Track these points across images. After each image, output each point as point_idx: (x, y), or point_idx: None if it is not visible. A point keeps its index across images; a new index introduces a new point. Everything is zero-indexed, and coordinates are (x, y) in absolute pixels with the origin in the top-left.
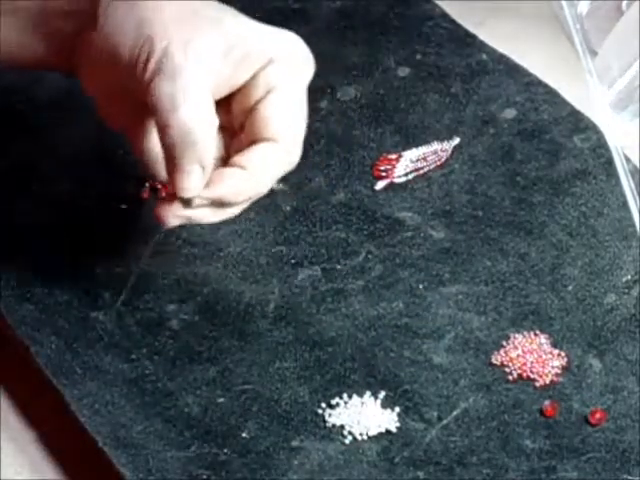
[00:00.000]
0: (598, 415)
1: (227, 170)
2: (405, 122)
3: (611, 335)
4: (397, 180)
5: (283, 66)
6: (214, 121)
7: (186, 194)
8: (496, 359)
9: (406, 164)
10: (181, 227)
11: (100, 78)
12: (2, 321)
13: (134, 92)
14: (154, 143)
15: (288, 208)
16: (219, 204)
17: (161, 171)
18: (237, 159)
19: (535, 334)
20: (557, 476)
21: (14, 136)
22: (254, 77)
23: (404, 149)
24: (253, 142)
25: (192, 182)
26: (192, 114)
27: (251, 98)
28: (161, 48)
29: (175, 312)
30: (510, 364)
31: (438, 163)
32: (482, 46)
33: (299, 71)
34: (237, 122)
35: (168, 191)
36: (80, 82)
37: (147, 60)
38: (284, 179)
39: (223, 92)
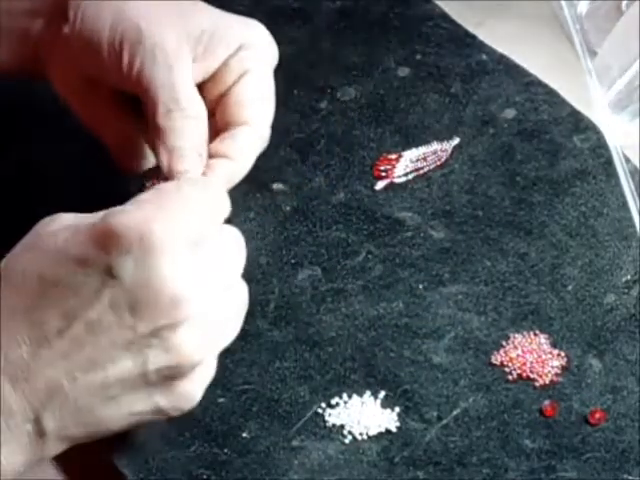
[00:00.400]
0: (598, 415)
1: (215, 162)
2: (405, 122)
3: (611, 335)
4: (397, 180)
5: (253, 51)
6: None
7: (186, 177)
8: (496, 359)
9: (406, 164)
10: None
11: (72, 74)
12: None
13: (113, 83)
14: (128, 133)
15: (288, 208)
16: None
17: (132, 160)
18: (220, 148)
19: (535, 334)
20: (557, 476)
21: (14, 136)
22: (225, 63)
23: (404, 149)
24: (227, 126)
25: (189, 164)
26: (191, 97)
27: (224, 84)
28: (143, 38)
29: None
30: (510, 364)
31: (438, 163)
32: (482, 46)
33: (267, 56)
34: (209, 108)
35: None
36: (50, 82)
37: (131, 51)
38: (284, 179)
39: (196, 80)
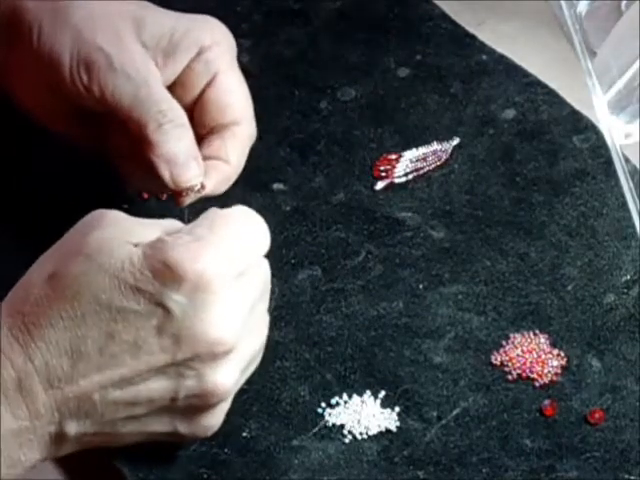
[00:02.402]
0: (597, 414)
1: (209, 165)
2: (405, 122)
3: (610, 335)
4: (397, 180)
5: (216, 50)
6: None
7: (190, 183)
8: (496, 359)
9: (406, 164)
10: None
11: (36, 89)
12: None
13: (76, 95)
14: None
15: (288, 208)
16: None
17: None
18: (211, 151)
19: (535, 334)
20: (556, 475)
21: (14, 135)
22: (191, 68)
23: (404, 149)
24: (211, 130)
25: (192, 172)
26: (175, 107)
27: (195, 88)
28: (111, 60)
29: None
30: (510, 364)
31: (438, 163)
32: (482, 46)
33: (230, 50)
34: None
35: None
36: (14, 99)
37: (101, 75)
38: (284, 179)
39: None
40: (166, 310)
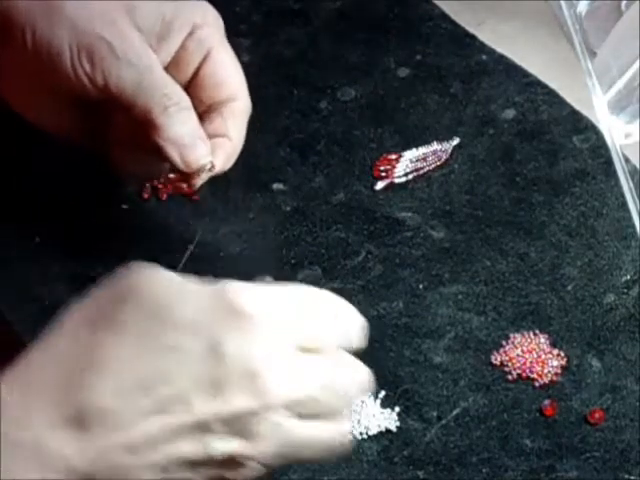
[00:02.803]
0: (597, 415)
1: (214, 143)
2: (405, 122)
3: (610, 335)
4: (397, 180)
5: (207, 30)
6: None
7: (201, 162)
8: (496, 359)
9: (406, 164)
10: (181, 227)
11: (29, 91)
12: (2, 321)
13: (78, 88)
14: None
15: (288, 208)
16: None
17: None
18: (213, 129)
19: (534, 334)
20: (556, 475)
21: (14, 135)
22: (184, 47)
23: (404, 149)
24: (207, 108)
25: (200, 151)
26: (177, 90)
27: (190, 67)
28: (112, 48)
29: None
30: (510, 364)
31: (438, 163)
32: (482, 46)
33: (219, 29)
34: None
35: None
36: (7, 99)
37: (103, 65)
38: (284, 179)
39: None
40: (220, 354)
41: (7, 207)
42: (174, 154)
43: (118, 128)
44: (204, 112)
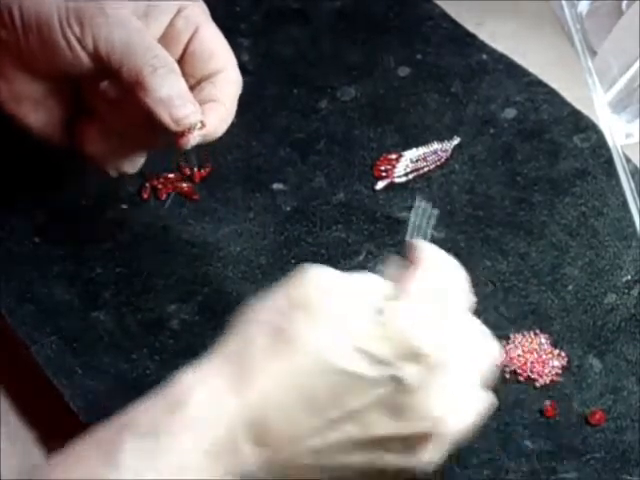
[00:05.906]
0: (598, 415)
1: (206, 107)
2: (405, 122)
3: (611, 335)
4: (397, 180)
5: (193, 8)
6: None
7: (190, 120)
8: None
9: (406, 164)
10: (181, 227)
11: (14, 78)
12: (2, 321)
13: (68, 56)
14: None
15: (288, 208)
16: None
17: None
18: (204, 95)
19: (535, 334)
20: (557, 476)
21: (14, 136)
22: (172, 25)
23: (404, 149)
24: (197, 82)
25: (190, 109)
26: (167, 54)
27: (178, 44)
28: (103, 11)
29: (175, 312)
30: (510, 364)
31: (438, 163)
32: (482, 46)
33: (205, 10)
34: None
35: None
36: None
37: (94, 28)
38: (284, 179)
39: None
40: (398, 382)
41: (7, 207)
42: (164, 114)
43: (101, 108)
44: (195, 84)
